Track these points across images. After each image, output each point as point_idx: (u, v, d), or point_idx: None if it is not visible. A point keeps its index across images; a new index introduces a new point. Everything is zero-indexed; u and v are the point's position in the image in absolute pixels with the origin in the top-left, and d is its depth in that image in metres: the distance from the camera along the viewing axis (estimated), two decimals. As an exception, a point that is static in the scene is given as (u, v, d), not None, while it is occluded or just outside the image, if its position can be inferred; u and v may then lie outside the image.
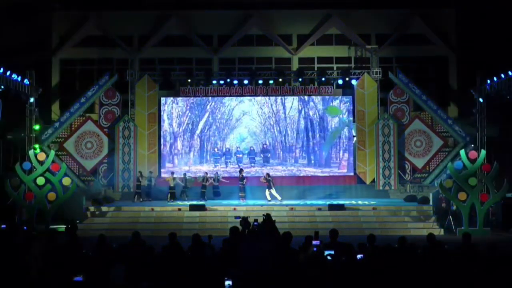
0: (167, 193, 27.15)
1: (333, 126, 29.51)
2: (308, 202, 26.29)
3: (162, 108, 29.44)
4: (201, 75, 29.46)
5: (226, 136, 29.70)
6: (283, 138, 29.68)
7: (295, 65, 31.04)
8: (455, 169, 23.84)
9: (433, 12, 30.95)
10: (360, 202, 26.31)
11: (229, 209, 24.31)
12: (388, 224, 23.44)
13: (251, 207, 24.39)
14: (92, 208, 25.04)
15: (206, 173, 27.68)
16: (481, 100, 25.90)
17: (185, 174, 27.91)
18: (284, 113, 29.58)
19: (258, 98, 29.46)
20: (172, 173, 27.79)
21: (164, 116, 29.48)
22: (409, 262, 9.67)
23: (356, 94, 29.13)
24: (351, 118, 29.36)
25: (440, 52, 30.99)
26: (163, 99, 29.51)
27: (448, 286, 9.14)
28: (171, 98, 29.59)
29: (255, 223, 14.64)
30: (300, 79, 29.18)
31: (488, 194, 23.49)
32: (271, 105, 29.55)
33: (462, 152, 24.46)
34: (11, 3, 30.73)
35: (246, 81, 29.10)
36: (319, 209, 24.46)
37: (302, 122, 29.58)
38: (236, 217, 15.37)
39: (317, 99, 29.45)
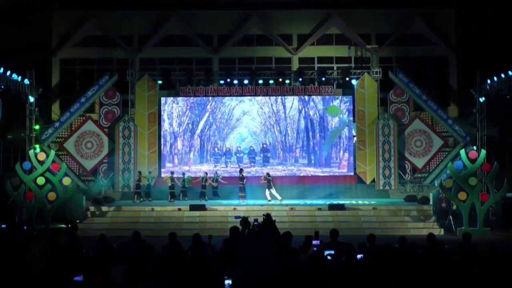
0: (168, 193, 27.15)
1: (333, 126, 29.52)
2: (308, 202, 26.27)
3: (162, 108, 29.44)
4: (201, 75, 29.47)
5: (226, 136, 29.71)
6: (283, 138, 29.68)
7: (295, 65, 31.06)
8: (455, 169, 23.82)
9: (433, 12, 30.98)
10: (360, 202, 26.28)
11: (229, 209, 24.29)
12: (388, 224, 23.42)
13: (251, 207, 24.37)
14: (92, 208, 25.03)
15: (206, 173, 27.67)
16: (481, 100, 25.89)
17: (183, 174, 27.90)
18: (284, 113, 29.58)
19: (258, 98, 29.46)
20: (172, 173, 27.78)
21: (164, 116, 29.48)
22: (409, 262, 9.67)
23: (356, 94, 29.14)
24: (351, 118, 29.36)
25: (440, 52, 31.01)
26: (163, 99, 29.51)
27: (448, 286, 9.14)
28: (171, 98, 29.59)
29: (255, 223, 14.64)
30: (300, 79, 29.18)
31: (488, 194, 23.47)
32: (271, 105, 29.55)
33: (462, 152, 24.45)
34: (11, 3, 30.74)
35: (246, 81, 29.11)
36: (319, 209, 24.43)
37: (302, 122, 29.58)
38: (236, 217, 15.38)
39: (317, 99, 29.45)
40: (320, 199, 26.80)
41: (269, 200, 25.84)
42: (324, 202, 25.52)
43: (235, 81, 29.18)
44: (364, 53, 30.75)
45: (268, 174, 26.60)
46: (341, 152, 29.54)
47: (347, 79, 29.30)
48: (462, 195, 23.21)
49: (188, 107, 29.61)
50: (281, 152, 29.69)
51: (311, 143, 29.65)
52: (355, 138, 29.31)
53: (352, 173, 29.27)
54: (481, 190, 23.69)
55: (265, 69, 30.43)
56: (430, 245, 10.97)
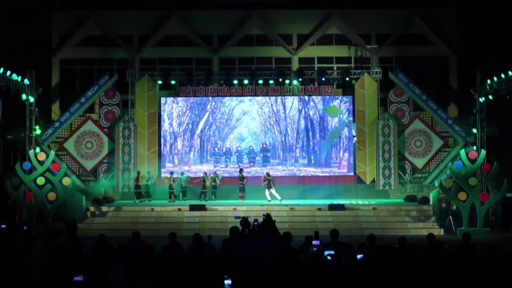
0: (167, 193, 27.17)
1: (333, 126, 29.51)
2: (308, 202, 26.27)
3: (162, 108, 29.43)
4: (201, 75, 29.47)
5: (226, 136, 29.71)
6: (283, 138, 29.68)
7: (295, 65, 31.05)
8: (455, 169, 23.83)
9: (433, 12, 30.97)
10: (360, 202, 26.29)
11: (229, 209, 24.30)
12: (388, 224, 23.43)
13: (251, 207, 24.38)
14: (92, 208, 25.04)
15: (205, 173, 27.67)
16: (481, 100, 25.89)
17: (182, 174, 27.91)
18: (284, 113, 29.58)
19: (258, 98, 29.46)
20: (171, 173, 27.78)
21: (164, 116, 29.48)
22: (409, 262, 9.67)
23: (356, 94, 29.12)
24: (351, 118, 29.35)
25: (440, 52, 31.01)
26: (163, 99, 29.51)
27: (448, 286, 9.13)
28: (171, 98, 29.59)
29: (255, 223, 14.64)
30: (300, 79, 29.17)
31: (488, 194, 23.48)
32: (271, 105, 29.55)
33: (462, 152, 24.46)
34: (12, 3, 30.75)
35: (246, 81, 29.10)
36: (319, 209, 24.45)
37: (302, 122, 29.58)
38: (236, 217, 15.37)
39: (317, 99, 29.44)
40: (320, 199, 26.80)
41: (269, 200, 25.84)
42: (324, 202, 25.53)
43: (235, 81, 29.18)
44: (364, 53, 30.75)
45: (268, 174, 26.62)
46: (341, 152, 29.53)
47: (347, 79, 29.29)
48: (462, 195, 23.22)
49: (188, 107, 29.61)
50: (281, 152, 29.69)
51: (311, 143, 29.64)
52: (355, 138, 29.31)
53: (352, 173, 29.26)
54: (481, 190, 23.71)
55: (265, 69, 30.43)
56: (430, 245, 10.97)
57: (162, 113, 29.40)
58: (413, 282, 9.14)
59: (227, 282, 9.50)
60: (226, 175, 28.72)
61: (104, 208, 25.10)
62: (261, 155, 29.49)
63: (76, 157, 28.64)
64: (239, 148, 29.59)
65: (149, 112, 29.17)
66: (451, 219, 23.82)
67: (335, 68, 30.60)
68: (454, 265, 9.67)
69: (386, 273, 9.15)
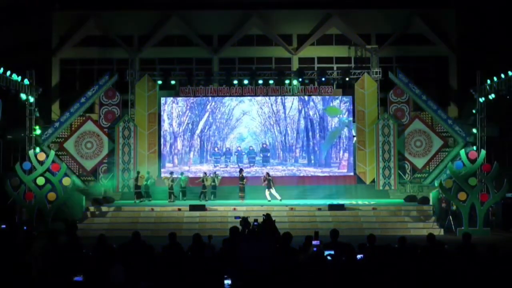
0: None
1: (333, 126, 29.51)
2: (308, 202, 26.27)
3: (162, 108, 29.43)
4: (201, 75, 29.47)
5: (226, 136, 29.70)
6: (283, 138, 29.68)
7: (295, 65, 31.06)
8: (455, 169, 23.82)
9: (433, 12, 30.98)
10: (360, 202, 26.29)
11: (229, 209, 24.29)
12: (388, 224, 23.43)
13: (251, 207, 24.37)
14: (92, 208, 25.03)
15: (205, 173, 27.66)
16: (481, 100, 25.89)
17: (182, 174, 27.90)
18: (284, 113, 29.58)
19: (258, 98, 29.46)
20: (171, 173, 27.78)
21: (164, 116, 29.47)
22: (409, 262, 9.67)
23: (356, 94, 29.12)
24: (351, 118, 29.35)
25: (440, 52, 31.02)
26: (163, 99, 29.50)
27: (448, 286, 9.13)
28: (171, 98, 29.59)
29: (255, 223, 14.64)
30: (300, 79, 29.17)
31: (488, 194, 23.48)
32: (271, 105, 29.54)
33: (462, 152, 24.46)
34: (12, 3, 30.74)
35: (246, 81, 29.10)
36: (319, 209, 24.44)
37: (302, 122, 29.58)
38: (236, 217, 15.36)
39: (317, 99, 29.44)
40: (320, 199, 26.79)
41: (269, 200, 25.84)
42: (324, 202, 25.52)
43: (235, 81, 29.18)
44: (364, 53, 30.76)
45: (267, 174, 26.62)
46: (341, 152, 29.53)
47: (347, 79, 29.29)
48: (462, 195, 23.21)
49: (188, 107, 29.61)
50: (281, 152, 29.69)
51: (311, 143, 29.64)
52: (355, 138, 29.31)
53: (352, 173, 29.26)
54: (481, 190, 23.70)
55: (265, 69, 30.44)
56: (430, 245, 10.96)
57: (162, 113, 29.39)
58: (413, 282, 9.14)
59: (227, 282, 9.50)
60: (226, 175, 28.72)
61: (104, 208, 25.10)
62: (261, 155, 29.50)
63: (76, 157, 28.64)
64: (239, 148, 29.59)
65: (149, 112, 29.17)
66: (451, 219, 23.82)
67: (335, 68, 30.61)
68: (454, 265, 9.67)
69: (386, 273, 9.14)
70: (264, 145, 29.54)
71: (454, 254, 10.77)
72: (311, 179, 29.34)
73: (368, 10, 31.05)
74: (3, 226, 16.42)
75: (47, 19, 31.02)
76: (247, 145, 29.63)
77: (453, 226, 23.41)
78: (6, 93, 23.64)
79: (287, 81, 29.20)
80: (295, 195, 27.73)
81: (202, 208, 24.40)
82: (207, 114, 29.68)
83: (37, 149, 26.40)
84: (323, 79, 29.09)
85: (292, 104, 29.54)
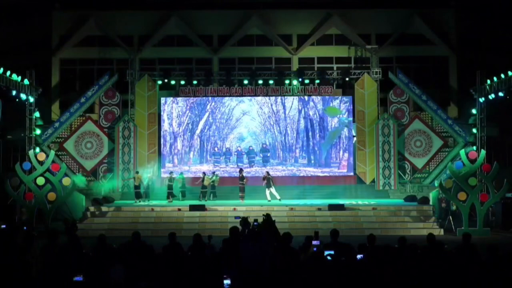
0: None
1: (333, 126, 29.51)
2: (308, 202, 26.25)
3: (162, 108, 29.43)
4: (201, 75, 29.47)
5: (226, 136, 29.71)
6: (283, 138, 29.68)
7: (295, 65, 31.07)
8: (455, 169, 23.81)
9: (433, 12, 31.00)
10: (360, 202, 26.28)
11: (229, 209, 24.27)
12: (388, 224, 23.40)
13: (251, 207, 24.34)
14: (92, 208, 25.01)
15: (204, 173, 27.62)
16: (481, 100, 25.89)
17: (181, 174, 27.88)
18: (284, 113, 29.58)
19: (258, 98, 29.46)
20: (171, 172, 27.76)
21: (164, 116, 29.48)
22: (409, 262, 9.66)
23: (356, 94, 29.13)
24: (351, 118, 29.35)
25: (440, 52, 31.03)
26: (163, 99, 29.51)
27: (448, 286, 9.14)
28: (171, 98, 29.59)
29: (255, 223, 14.63)
30: (300, 79, 29.17)
31: (488, 194, 23.46)
32: (271, 105, 29.55)
33: (462, 152, 24.45)
34: (12, 3, 30.75)
35: (246, 81, 29.11)
36: (319, 209, 24.42)
37: (302, 122, 29.58)
38: (236, 217, 15.34)
39: (317, 99, 29.44)
40: (320, 199, 26.78)
41: (269, 200, 25.83)
42: (324, 202, 25.50)
43: (235, 81, 29.19)
44: (364, 53, 30.76)
45: (267, 172, 26.57)
46: (341, 152, 29.53)
47: (347, 79, 29.30)
48: (461, 195, 23.19)
49: (188, 107, 29.61)
50: (281, 152, 29.70)
51: (311, 143, 29.65)
52: (355, 138, 29.31)
53: (352, 173, 29.26)
54: (480, 190, 23.68)
55: (265, 69, 30.44)
56: (430, 245, 10.96)
57: (162, 113, 29.40)
58: (413, 282, 9.14)
59: (227, 282, 9.50)
60: (226, 175, 28.72)
61: (104, 208, 25.07)
62: (261, 155, 29.50)
63: (76, 157, 28.65)
64: (239, 148, 29.59)
65: (149, 112, 29.18)
66: (451, 219, 23.81)
67: (335, 68, 30.62)
68: (454, 265, 9.67)
69: (386, 273, 9.14)
70: (264, 145, 29.54)
71: (454, 254, 10.77)
72: (311, 179, 29.34)
73: (368, 10, 31.07)
74: (3, 226, 16.43)
75: (47, 19, 31.03)
76: (247, 145, 29.63)
77: (453, 226, 23.39)
78: (6, 93, 23.63)
79: (287, 81, 29.21)
80: (295, 195, 27.69)
81: (202, 208, 24.38)
82: (207, 114, 29.68)
83: (37, 149, 26.40)
84: (323, 79, 29.06)
85: (292, 104, 29.54)
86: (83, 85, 30.60)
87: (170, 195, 26.88)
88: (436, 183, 26.43)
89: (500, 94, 24.01)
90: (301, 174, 29.43)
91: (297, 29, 31.44)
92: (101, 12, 30.97)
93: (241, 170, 27.27)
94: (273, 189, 26.08)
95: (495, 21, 30.62)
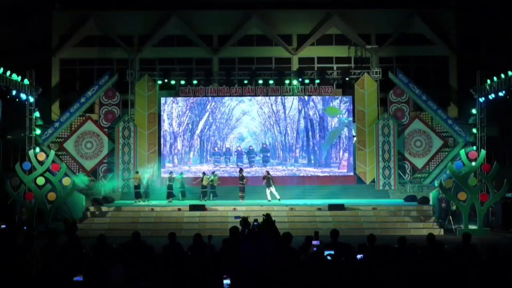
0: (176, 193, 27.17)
1: (333, 126, 29.52)
2: (308, 202, 26.24)
3: (162, 108, 29.44)
4: (201, 75, 29.48)
5: (226, 136, 29.71)
6: (283, 138, 29.69)
7: (295, 65, 31.07)
8: (455, 169, 23.81)
9: (433, 12, 31.01)
10: (360, 202, 26.26)
11: (229, 209, 24.26)
12: (388, 224, 23.39)
13: (251, 207, 24.34)
14: (92, 208, 25.00)
15: (204, 173, 27.60)
16: (481, 100, 25.89)
17: (181, 174, 27.87)
18: (284, 113, 29.58)
19: (258, 98, 29.47)
20: (171, 172, 27.75)
21: (164, 116, 29.48)
22: (409, 262, 9.66)
23: (356, 94, 29.13)
24: (351, 118, 29.35)
25: (440, 52, 31.03)
26: (163, 99, 29.51)
27: (448, 286, 9.14)
28: (171, 98, 29.59)
29: (255, 223, 14.62)
30: (300, 79, 29.17)
31: (488, 194, 23.46)
32: (271, 105, 29.55)
33: (462, 152, 24.44)
34: (12, 3, 30.76)
35: (246, 81, 29.11)
36: (319, 209, 24.40)
37: (302, 122, 29.58)
38: (236, 217, 15.34)
39: (317, 99, 29.44)
40: (320, 199, 26.76)
41: (269, 200, 25.82)
42: (324, 202, 25.48)
43: (235, 81, 29.19)
44: (364, 53, 30.76)
45: (267, 172, 26.56)
46: (341, 152, 29.54)
47: (347, 79, 29.30)
48: (461, 195, 23.19)
49: (188, 107, 29.61)
50: (281, 152, 29.70)
51: (311, 143, 29.65)
52: (355, 138, 29.31)
53: (352, 173, 29.27)
54: (480, 190, 23.68)
55: (265, 69, 30.45)
56: (430, 245, 10.95)
57: (162, 113, 29.40)
58: (413, 282, 9.14)
59: (227, 282, 9.50)
60: (226, 175, 28.72)
61: (104, 208, 25.06)
62: (261, 155, 29.50)
63: (76, 157, 28.66)
64: (239, 148, 29.59)
65: (149, 112, 29.19)
66: (451, 219, 23.81)
67: (335, 68, 30.62)
68: (454, 265, 9.67)
69: (386, 274, 9.14)
70: (264, 145, 29.54)
71: (454, 254, 10.76)
72: (311, 179, 29.35)
73: (368, 10, 31.07)
74: (3, 226, 16.43)
75: (47, 19, 31.03)
76: (247, 145, 29.63)
77: (453, 226, 23.40)
78: (6, 93, 23.63)
79: (287, 81, 29.21)
80: (295, 195, 27.68)
81: (202, 208, 24.37)
82: (207, 114, 29.69)
83: (37, 149, 26.40)
84: (323, 79, 29.06)
85: (292, 104, 29.55)
86: (83, 85, 30.60)
87: (170, 195, 26.86)
88: (436, 183, 26.42)
89: (500, 94, 24.03)
90: (301, 174, 29.44)
91: (297, 29, 31.44)
92: (101, 12, 30.97)
93: (241, 170, 27.26)
94: (273, 189, 26.07)
95: (495, 21, 30.63)
